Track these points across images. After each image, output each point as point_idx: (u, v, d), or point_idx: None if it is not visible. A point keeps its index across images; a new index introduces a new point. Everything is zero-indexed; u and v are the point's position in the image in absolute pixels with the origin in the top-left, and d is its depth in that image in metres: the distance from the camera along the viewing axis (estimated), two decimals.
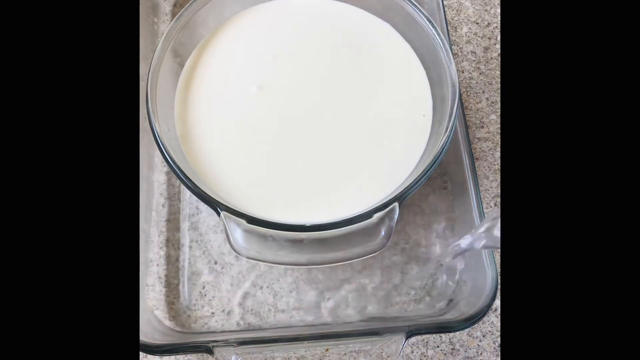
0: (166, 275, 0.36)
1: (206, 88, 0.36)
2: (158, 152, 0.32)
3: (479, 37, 0.45)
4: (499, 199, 0.39)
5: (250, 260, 0.32)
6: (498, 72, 0.43)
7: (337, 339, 0.32)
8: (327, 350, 0.32)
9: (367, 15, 0.39)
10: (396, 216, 0.30)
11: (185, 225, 0.38)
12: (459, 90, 0.34)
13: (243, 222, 0.30)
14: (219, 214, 0.30)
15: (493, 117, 0.42)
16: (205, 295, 0.36)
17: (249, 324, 0.35)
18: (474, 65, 0.44)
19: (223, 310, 0.36)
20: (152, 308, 0.35)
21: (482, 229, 0.29)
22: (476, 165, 0.37)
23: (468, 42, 0.45)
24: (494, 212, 0.29)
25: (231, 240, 0.30)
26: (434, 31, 0.35)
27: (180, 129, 0.35)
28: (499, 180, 0.40)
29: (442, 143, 0.32)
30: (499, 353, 0.35)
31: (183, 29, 0.36)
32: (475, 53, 0.44)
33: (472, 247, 0.30)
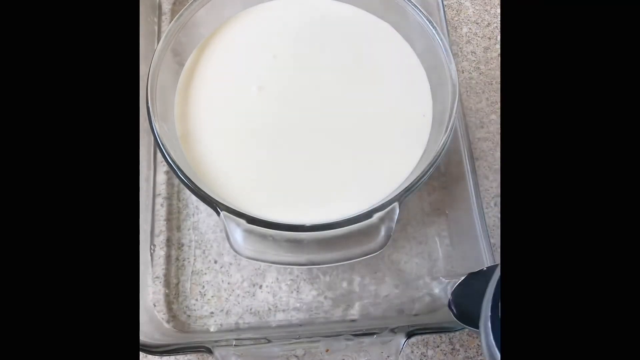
0: (166, 275, 0.36)
1: (206, 88, 0.36)
2: (158, 152, 0.32)
3: (479, 37, 0.45)
4: (499, 199, 0.39)
5: (250, 260, 0.32)
6: (498, 72, 0.43)
7: (337, 339, 0.32)
8: (327, 350, 0.32)
9: (367, 15, 0.39)
10: (396, 216, 0.30)
11: (185, 225, 0.38)
12: (459, 90, 0.34)
13: (243, 222, 0.30)
14: (219, 214, 0.30)
15: (493, 117, 0.42)
16: (205, 295, 0.36)
17: (248, 324, 0.35)
18: (474, 65, 0.44)
19: (222, 310, 0.36)
20: (152, 308, 0.35)
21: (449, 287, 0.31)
22: (476, 165, 0.37)
23: (468, 42, 0.45)
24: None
25: (231, 240, 0.30)
26: (434, 31, 0.35)
27: (180, 129, 0.35)
28: (499, 180, 0.40)
29: (442, 143, 0.32)
30: None
31: (183, 28, 0.36)
32: (475, 53, 0.44)
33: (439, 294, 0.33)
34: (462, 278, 0.30)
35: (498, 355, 0.22)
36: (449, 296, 0.30)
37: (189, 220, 0.38)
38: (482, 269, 0.30)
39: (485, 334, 0.24)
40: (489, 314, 0.24)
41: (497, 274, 0.25)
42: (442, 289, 0.32)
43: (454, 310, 0.29)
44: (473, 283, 0.29)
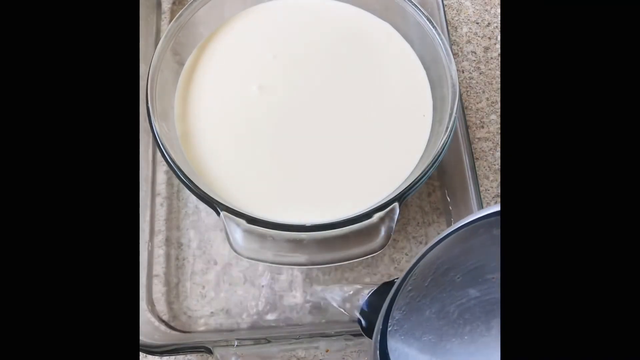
0: (166, 275, 0.36)
1: (206, 88, 0.36)
2: (158, 151, 0.32)
3: (479, 37, 0.45)
4: (499, 199, 0.39)
5: (250, 260, 0.32)
6: (498, 72, 0.43)
7: (337, 339, 0.32)
8: (327, 350, 0.32)
9: (367, 15, 0.39)
10: (396, 216, 0.30)
11: (184, 225, 0.38)
12: (459, 90, 0.34)
13: (243, 222, 0.30)
14: (219, 214, 0.30)
15: (493, 117, 0.42)
16: (205, 295, 0.36)
17: (248, 323, 0.35)
18: (474, 65, 0.44)
19: (223, 310, 0.36)
20: (152, 308, 0.35)
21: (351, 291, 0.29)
22: (476, 165, 0.37)
23: (468, 42, 0.45)
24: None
25: (231, 240, 0.30)
26: (434, 31, 0.35)
27: (180, 129, 0.35)
28: (499, 180, 0.40)
29: (442, 143, 0.32)
30: None
31: (183, 28, 0.36)
32: (475, 53, 0.44)
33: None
34: (375, 287, 0.27)
35: None
36: (360, 306, 0.27)
37: (188, 220, 0.38)
38: (395, 279, 0.26)
39: (374, 348, 0.23)
40: (380, 327, 0.23)
41: (395, 286, 0.23)
42: (345, 299, 0.29)
43: (363, 323, 0.27)
44: (385, 293, 0.26)
